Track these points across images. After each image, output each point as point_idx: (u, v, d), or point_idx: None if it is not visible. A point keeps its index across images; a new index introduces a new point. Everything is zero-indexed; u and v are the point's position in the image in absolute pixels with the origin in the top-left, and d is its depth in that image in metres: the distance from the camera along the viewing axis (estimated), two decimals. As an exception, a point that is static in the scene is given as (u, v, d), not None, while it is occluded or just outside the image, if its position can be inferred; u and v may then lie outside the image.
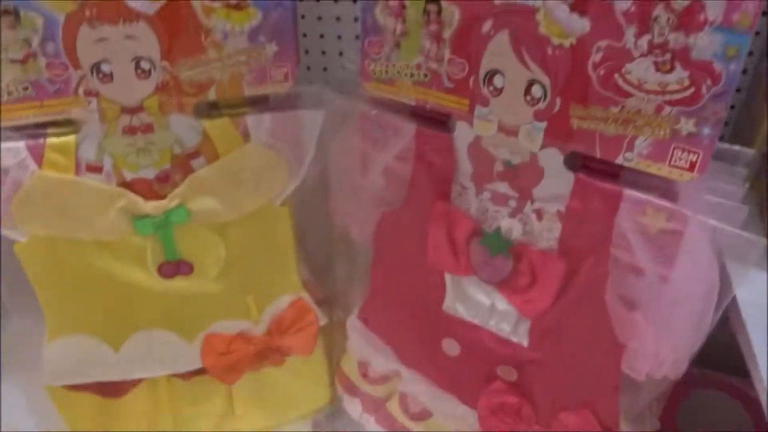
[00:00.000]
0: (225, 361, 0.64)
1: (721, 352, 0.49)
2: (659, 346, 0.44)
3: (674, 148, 0.39)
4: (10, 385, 0.63)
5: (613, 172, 0.43)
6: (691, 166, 0.39)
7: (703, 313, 0.42)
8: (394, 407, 0.65)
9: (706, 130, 0.38)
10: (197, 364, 0.64)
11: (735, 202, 0.41)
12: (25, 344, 0.62)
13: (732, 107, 0.60)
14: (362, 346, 0.63)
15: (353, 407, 0.70)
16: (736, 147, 0.44)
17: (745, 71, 0.58)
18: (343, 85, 0.53)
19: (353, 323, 0.63)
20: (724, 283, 0.42)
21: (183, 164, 0.54)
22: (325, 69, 0.65)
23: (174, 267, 0.58)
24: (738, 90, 0.60)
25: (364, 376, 0.66)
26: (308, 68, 0.65)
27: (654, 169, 0.40)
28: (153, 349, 0.62)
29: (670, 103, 0.38)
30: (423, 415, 0.62)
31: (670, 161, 0.39)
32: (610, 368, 0.47)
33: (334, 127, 0.54)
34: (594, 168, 0.44)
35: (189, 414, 0.68)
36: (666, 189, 0.42)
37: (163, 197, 0.54)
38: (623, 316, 0.45)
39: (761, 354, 0.43)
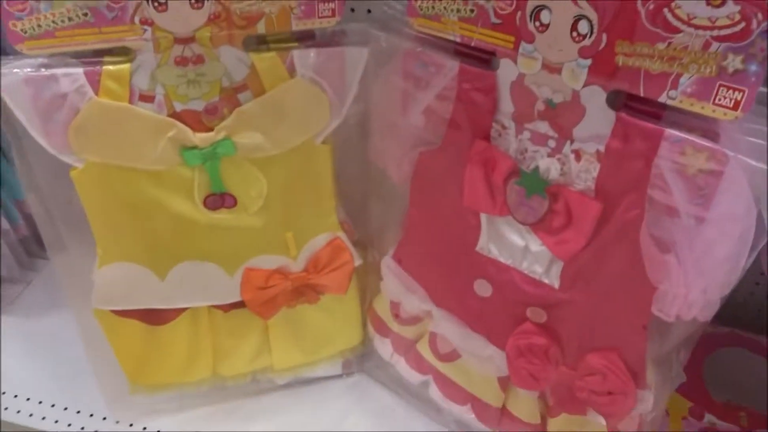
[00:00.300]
0: (262, 296, 0.66)
1: (752, 312, 0.49)
2: (690, 288, 0.45)
3: (719, 86, 0.39)
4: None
5: (655, 113, 0.43)
6: (736, 105, 0.39)
7: (736, 256, 0.43)
8: (424, 348, 0.67)
9: (753, 67, 0.37)
10: (237, 297, 0.66)
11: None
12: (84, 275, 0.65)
13: None
14: (395, 285, 0.65)
15: (384, 348, 0.72)
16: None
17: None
18: (388, 23, 0.54)
19: (387, 263, 0.65)
20: (759, 227, 0.42)
21: (231, 97, 0.56)
22: (369, 11, 0.65)
23: (219, 199, 0.60)
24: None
25: (396, 316, 0.67)
26: (352, 10, 0.66)
27: (698, 107, 0.40)
28: (196, 279, 0.65)
29: (718, 39, 0.38)
30: (452, 356, 0.64)
31: (714, 99, 0.39)
32: (640, 310, 0.48)
33: (379, 66, 0.55)
34: (636, 108, 0.44)
35: (227, 346, 0.71)
36: (707, 130, 0.42)
37: (210, 129, 0.56)
38: (656, 258, 0.46)
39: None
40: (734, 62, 0.38)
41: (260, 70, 0.55)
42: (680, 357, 0.52)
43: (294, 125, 0.57)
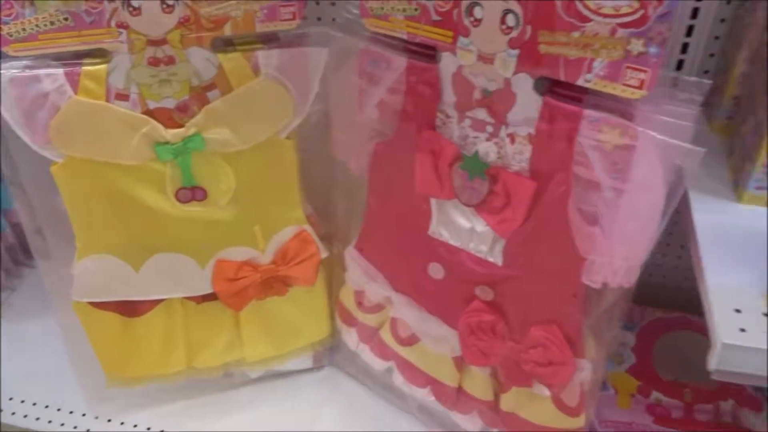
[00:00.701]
0: (233, 287, 0.70)
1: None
2: (614, 256, 0.49)
3: (626, 68, 0.44)
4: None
5: (577, 97, 0.48)
6: (641, 84, 0.44)
7: (652, 223, 0.47)
8: (386, 334, 0.70)
9: (653, 50, 0.43)
10: (208, 289, 0.70)
11: (686, 123, 0.46)
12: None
13: (712, 55, 0.65)
14: (358, 275, 0.69)
15: (350, 337, 0.75)
16: (693, 78, 0.49)
17: (723, 20, 0.63)
18: (348, 26, 0.59)
19: (350, 253, 0.69)
20: (671, 194, 0.46)
21: (200, 95, 0.61)
22: (334, 19, 0.71)
23: (190, 193, 0.64)
24: (716, 38, 0.64)
25: (360, 305, 0.71)
26: (318, 18, 0.71)
27: (610, 88, 0.45)
28: (169, 271, 0.68)
29: (622, 25, 0.43)
30: (411, 340, 0.68)
31: (623, 80, 0.44)
32: (572, 281, 0.52)
33: (338, 65, 0.60)
34: (561, 93, 0.49)
35: (200, 338, 0.74)
36: (623, 111, 0.47)
37: (182, 126, 0.61)
38: (584, 230, 0.50)
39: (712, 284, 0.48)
40: (637, 46, 0.43)
41: (227, 70, 0.60)
42: (612, 325, 0.56)
43: (259, 121, 0.62)
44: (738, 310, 0.46)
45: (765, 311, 0.46)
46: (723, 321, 0.45)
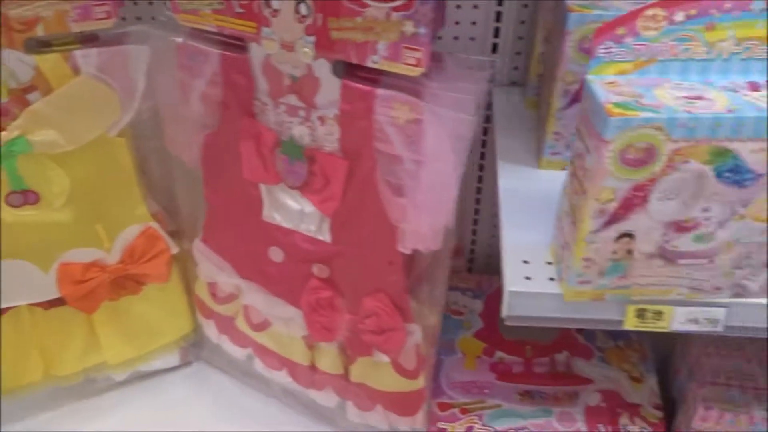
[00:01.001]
0: (81, 290, 0.69)
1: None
2: (420, 223, 0.53)
3: (403, 48, 0.48)
4: None
5: (375, 79, 0.52)
6: (418, 62, 0.48)
7: (447, 190, 0.52)
8: (241, 322, 0.72)
9: (423, 30, 0.47)
10: (54, 294, 0.69)
11: (468, 96, 0.50)
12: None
13: (521, 38, 0.71)
14: (208, 267, 0.70)
15: (210, 330, 0.76)
16: (482, 57, 0.54)
17: (526, 6, 0.69)
18: (170, 23, 0.60)
19: (197, 246, 0.70)
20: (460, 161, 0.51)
21: (20, 98, 0.60)
22: (153, 18, 0.72)
23: (21, 197, 0.64)
24: (522, 22, 0.70)
25: (214, 296, 0.73)
26: (138, 18, 0.72)
27: (393, 67, 0.49)
28: (11, 278, 0.67)
29: (394, 9, 0.47)
30: (264, 325, 0.70)
31: (402, 59, 0.48)
32: (389, 249, 0.56)
33: (161, 62, 0.61)
34: (360, 76, 0.52)
35: (54, 345, 0.73)
36: (413, 89, 0.51)
37: (4, 130, 0.60)
38: (393, 201, 0.54)
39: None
40: (409, 27, 0.47)
41: (45, 71, 0.60)
42: (436, 288, 0.60)
43: (85, 120, 0.62)
44: (526, 262, 0.51)
45: (548, 260, 0.51)
46: (511, 272, 0.50)
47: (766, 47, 0.42)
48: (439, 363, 0.74)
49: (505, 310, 0.50)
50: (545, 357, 0.75)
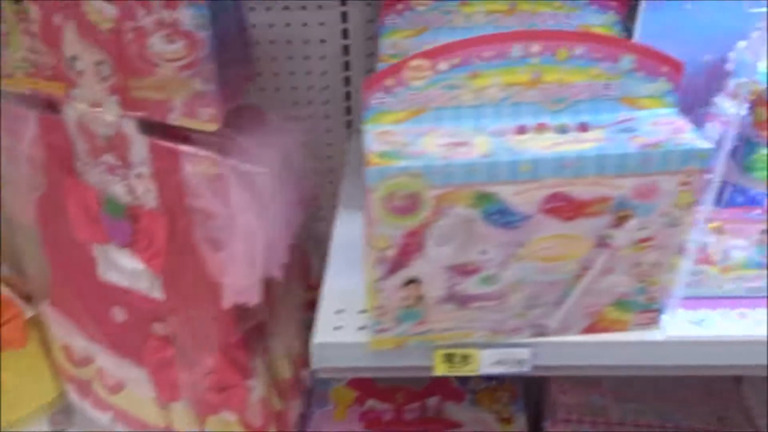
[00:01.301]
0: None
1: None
2: (234, 277, 0.53)
3: (197, 105, 0.48)
4: None
5: (185, 135, 0.52)
6: (212, 118, 0.48)
7: (256, 243, 0.51)
8: (98, 386, 0.70)
9: (212, 87, 0.47)
10: None
11: (274, 151, 0.51)
12: None
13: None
14: (59, 330, 0.68)
15: (72, 394, 0.74)
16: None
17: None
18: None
19: (47, 310, 0.68)
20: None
21: None
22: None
23: None
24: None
25: (70, 359, 0.70)
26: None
27: (190, 124, 0.49)
28: None
29: (182, 68, 0.47)
30: (118, 387, 0.68)
31: (198, 116, 0.48)
32: (216, 305, 0.55)
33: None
34: (172, 133, 0.52)
35: None
36: (221, 145, 0.51)
37: None
38: (211, 256, 0.53)
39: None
40: (198, 84, 0.47)
41: None
42: (277, 342, 0.59)
43: None
44: (340, 311, 0.51)
45: (362, 308, 0.51)
46: (323, 322, 0.50)
47: (531, 92, 0.43)
48: (309, 415, 0.73)
49: (315, 363, 0.49)
50: (416, 402, 0.74)
